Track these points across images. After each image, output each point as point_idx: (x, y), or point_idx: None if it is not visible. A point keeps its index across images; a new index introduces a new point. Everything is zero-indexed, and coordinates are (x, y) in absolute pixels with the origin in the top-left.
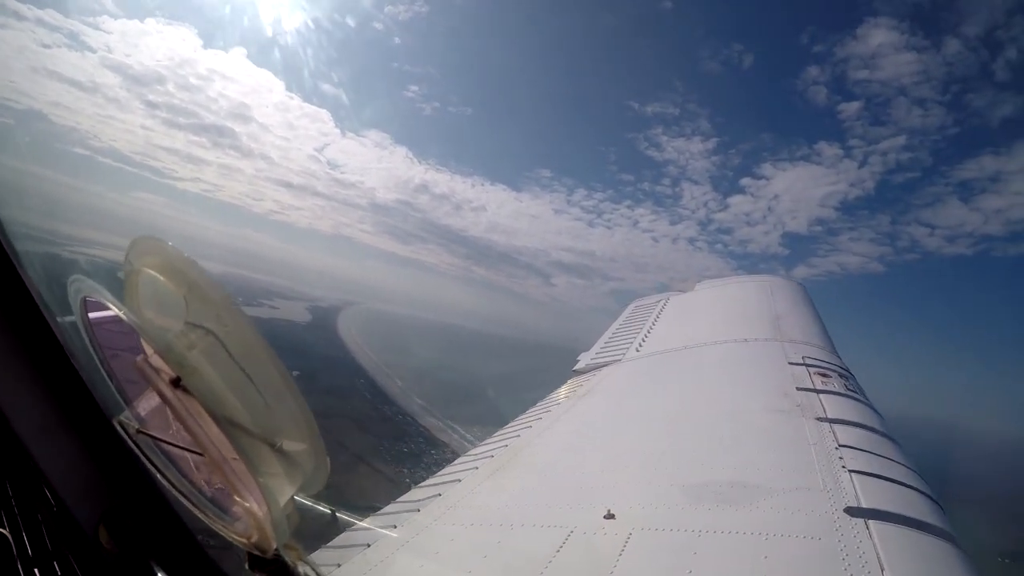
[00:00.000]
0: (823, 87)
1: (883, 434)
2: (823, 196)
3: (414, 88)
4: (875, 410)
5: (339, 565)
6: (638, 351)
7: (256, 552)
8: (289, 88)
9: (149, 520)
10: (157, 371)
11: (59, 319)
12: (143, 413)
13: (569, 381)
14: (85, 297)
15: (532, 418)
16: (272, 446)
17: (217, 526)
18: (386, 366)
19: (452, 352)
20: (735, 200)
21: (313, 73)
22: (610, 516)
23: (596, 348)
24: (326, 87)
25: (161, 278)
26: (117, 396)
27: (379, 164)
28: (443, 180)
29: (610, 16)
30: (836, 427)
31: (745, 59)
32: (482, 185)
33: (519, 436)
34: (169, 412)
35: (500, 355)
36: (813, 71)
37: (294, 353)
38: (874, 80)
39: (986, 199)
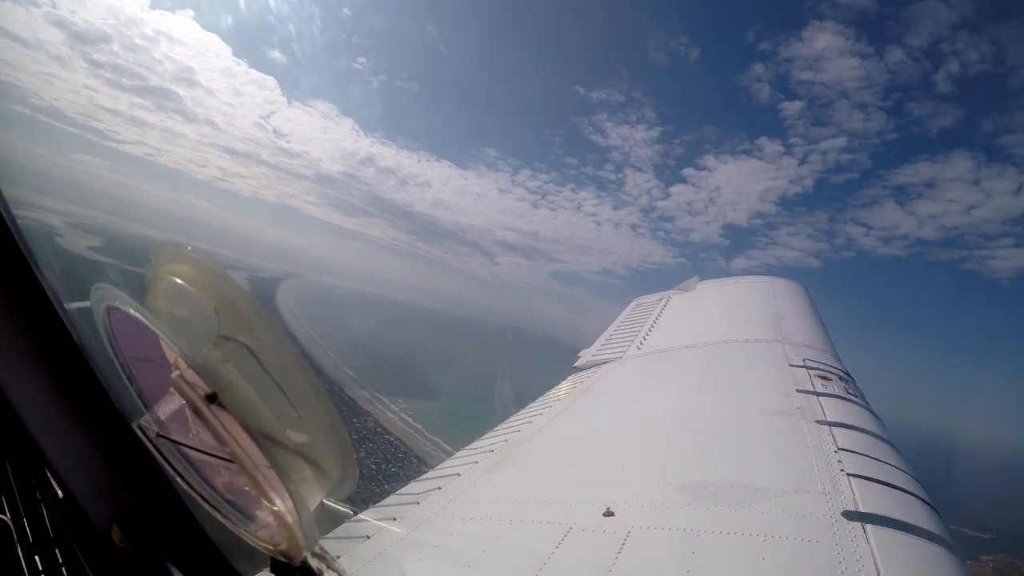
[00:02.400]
0: (767, 84)
1: (882, 438)
2: (763, 190)
3: (362, 60)
4: (875, 414)
5: (339, 556)
6: (639, 349)
7: (283, 559)
8: (236, 54)
9: (166, 521)
10: (192, 385)
11: (71, 314)
12: (163, 417)
13: (569, 378)
14: (109, 305)
15: (532, 413)
16: (304, 456)
17: (240, 531)
18: (320, 338)
19: (391, 326)
20: (677, 189)
21: (261, 40)
22: (609, 514)
23: (597, 345)
24: (274, 54)
25: (190, 288)
26: (137, 400)
27: (325, 135)
28: (389, 154)
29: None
30: (835, 430)
31: (691, 52)
32: (428, 161)
33: (519, 431)
34: (199, 423)
35: (440, 331)
36: (757, 68)
37: None
38: (817, 82)
39: (921, 204)
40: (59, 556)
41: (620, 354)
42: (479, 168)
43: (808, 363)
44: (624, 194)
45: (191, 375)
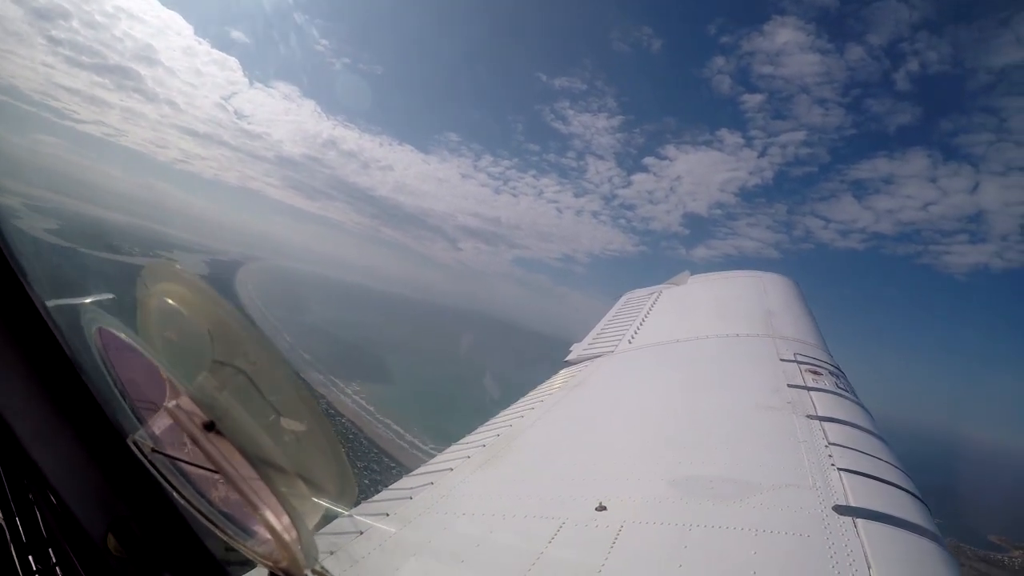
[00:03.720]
0: (728, 77)
1: (873, 433)
2: (723, 181)
3: (325, 42)
4: (865, 409)
5: (331, 553)
6: (630, 343)
7: (282, 575)
8: (198, 33)
9: (161, 531)
10: (189, 414)
11: (55, 316)
12: (157, 432)
13: (561, 372)
14: (100, 327)
15: (524, 408)
16: (302, 477)
17: (238, 546)
18: (278, 321)
19: (350, 311)
20: (638, 178)
21: (223, 19)
22: (602, 508)
23: (588, 339)
24: (236, 34)
25: (183, 311)
26: (131, 415)
27: (287, 116)
28: (351, 137)
29: None
30: (826, 425)
31: (654, 43)
32: (390, 145)
33: (511, 426)
34: (197, 449)
35: (400, 316)
36: (719, 61)
37: None
38: (777, 76)
39: (879, 199)
40: (53, 556)
41: (612, 348)
42: (441, 153)
43: (799, 358)
44: (586, 182)
45: (187, 404)
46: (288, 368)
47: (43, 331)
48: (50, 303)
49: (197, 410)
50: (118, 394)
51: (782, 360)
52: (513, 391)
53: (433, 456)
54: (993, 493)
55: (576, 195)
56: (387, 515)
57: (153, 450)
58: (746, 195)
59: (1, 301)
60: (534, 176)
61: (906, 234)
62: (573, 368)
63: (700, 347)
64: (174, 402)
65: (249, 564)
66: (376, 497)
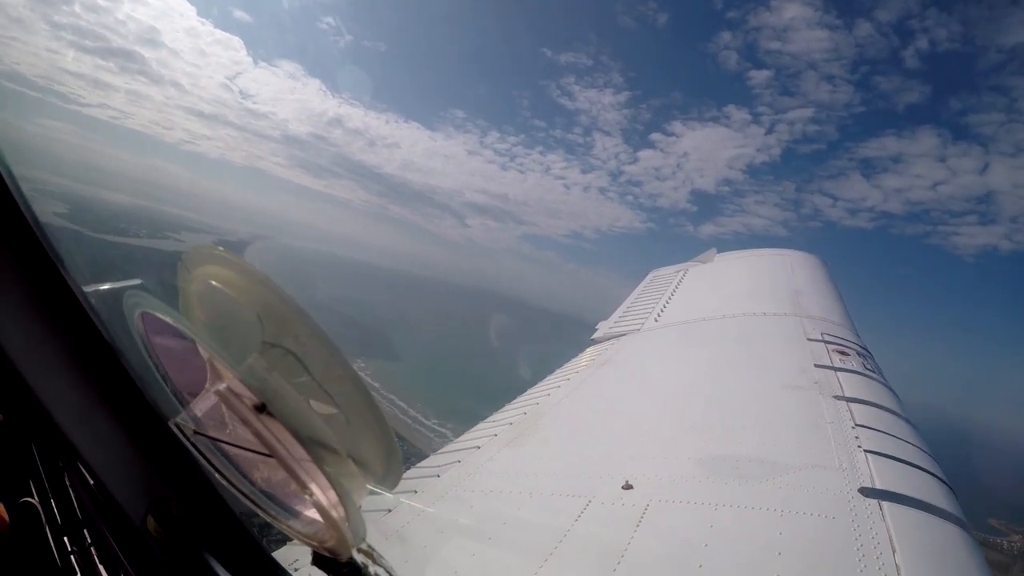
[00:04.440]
0: (734, 52)
1: (900, 415)
2: (731, 158)
3: (328, 20)
4: (892, 390)
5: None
6: (656, 321)
7: (327, 555)
8: (201, 13)
9: (201, 512)
10: (239, 397)
11: (95, 304)
12: (199, 414)
13: (588, 350)
14: (143, 311)
15: (551, 386)
16: (351, 456)
17: (281, 526)
18: None
19: (358, 289)
20: (645, 154)
21: None
22: (628, 487)
23: (615, 317)
24: (239, 13)
25: (230, 293)
26: (172, 398)
27: (292, 95)
28: (357, 115)
29: None
30: (853, 406)
31: (659, 17)
32: (396, 122)
33: (538, 404)
34: (242, 430)
35: (407, 293)
36: (725, 36)
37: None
38: (785, 52)
39: (887, 178)
40: (88, 537)
41: (638, 326)
42: (447, 130)
43: (826, 337)
44: (592, 158)
45: (237, 386)
46: (335, 348)
47: (81, 316)
48: (87, 288)
49: (247, 392)
50: (160, 377)
51: (809, 340)
52: (522, 368)
53: (435, 430)
54: (994, 477)
55: (583, 171)
56: (416, 492)
57: (195, 432)
58: (754, 172)
59: (41, 288)
60: (541, 152)
61: (915, 214)
62: (600, 346)
63: (726, 326)
64: (223, 384)
65: (283, 542)
66: (406, 475)
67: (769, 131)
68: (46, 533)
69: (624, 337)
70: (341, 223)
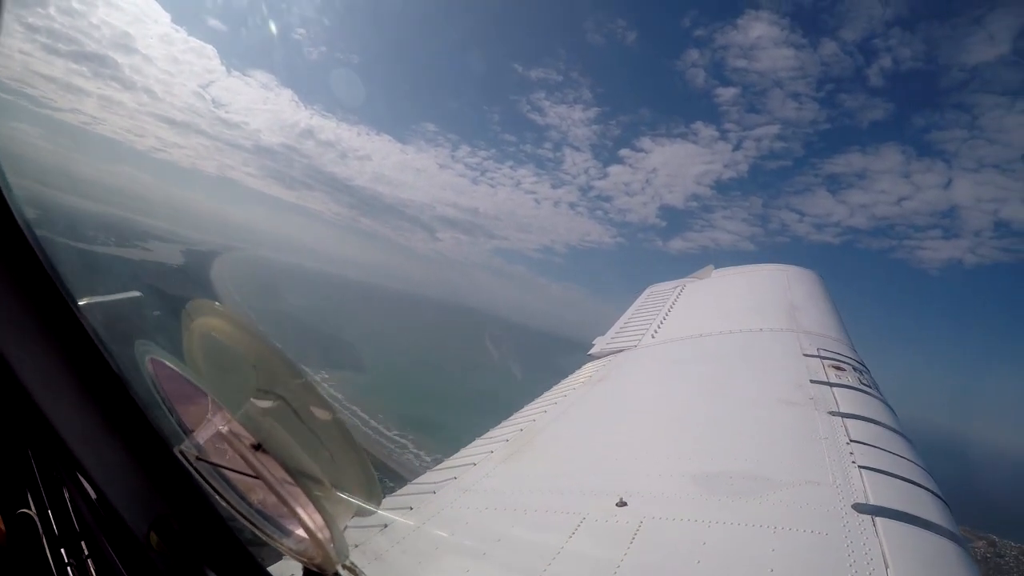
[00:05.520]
0: (702, 70)
1: (895, 431)
2: (699, 174)
3: (301, 31)
4: (888, 406)
5: (356, 546)
6: (653, 338)
7: (315, 570)
8: (175, 20)
9: (203, 531)
10: (239, 437)
11: (93, 322)
12: (201, 442)
13: (584, 366)
14: (152, 357)
15: (547, 403)
16: (335, 485)
17: (274, 543)
18: (253, 311)
19: (326, 301)
20: (614, 169)
21: (200, 6)
22: (622, 504)
23: (611, 333)
24: (213, 22)
25: (228, 344)
26: (177, 427)
27: (264, 105)
28: (329, 126)
29: None
30: (848, 422)
31: (628, 35)
32: (368, 135)
33: (534, 421)
34: (241, 461)
35: (376, 306)
36: (693, 54)
37: (156, 296)
38: (751, 70)
39: (853, 194)
40: (85, 549)
41: (635, 343)
42: (419, 143)
43: (822, 353)
44: (563, 173)
45: (237, 428)
46: (322, 396)
47: (79, 329)
48: (84, 301)
49: (245, 432)
50: (166, 410)
51: (805, 355)
52: (487, 380)
53: (395, 441)
54: (956, 483)
55: (553, 186)
56: (411, 509)
57: (198, 458)
58: (722, 188)
59: (39, 299)
60: (511, 167)
61: (880, 229)
62: (596, 363)
63: (723, 342)
64: (227, 426)
65: (276, 558)
66: (400, 491)
67: (736, 147)
68: (43, 544)
69: (621, 353)
70: (312, 235)
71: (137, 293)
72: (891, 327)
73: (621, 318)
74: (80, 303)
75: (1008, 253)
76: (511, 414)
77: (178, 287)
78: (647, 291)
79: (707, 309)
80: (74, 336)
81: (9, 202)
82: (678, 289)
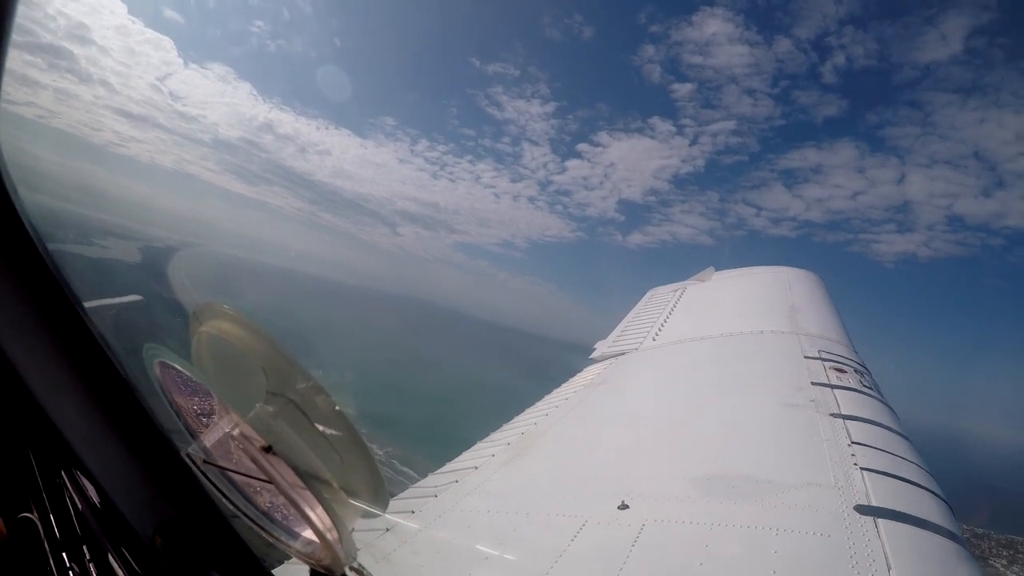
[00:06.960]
0: (658, 66)
1: (897, 432)
2: (656, 168)
3: (259, 23)
4: (890, 407)
5: (358, 549)
6: (654, 341)
7: (323, 571)
8: (132, 11)
9: (209, 534)
10: (249, 440)
11: (102, 329)
12: (208, 445)
13: (586, 369)
14: (161, 360)
15: (549, 406)
16: (344, 487)
17: (282, 546)
18: None
19: (286, 297)
20: (573, 164)
21: None
22: (624, 507)
23: (612, 337)
24: (170, 13)
25: (237, 346)
26: (184, 431)
27: (223, 99)
28: (288, 120)
29: None
30: (850, 423)
31: (585, 30)
32: (327, 129)
33: (536, 424)
34: (250, 463)
35: (336, 302)
36: (649, 50)
37: (113, 292)
38: (707, 66)
39: (809, 188)
40: (87, 553)
41: (636, 346)
42: (378, 137)
43: (823, 355)
44: (521, 167)
45: (247, 430)
46: (330, 399)
47: (84, 331)
48: (89, 304)
49: (255, 435)
50: (173, 413)
51: (806, 357)
52: (450, 376)
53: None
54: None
55: (512, 180)
56: (413, 512)
57: (205, 462)
58: (679, 182)
59: (42, 301)
60: (470, 161)
61: (836, 223)
62: (597, 366)
63: (724, 345)
64: (237, 429)
65: (282, 562)
66: (403, 494)
67: (693, 142)
68: (44, 548)
69: (622, 356)
70: (272, 230)
71: (138, 297)
72: (846, 319)
73: (622, 321)
74: (86, 306)
75: (961, 247)
76: (472, 408)
77: (134, 287)
78: (648, 294)
79: (708, 312)
80: (78, 339)
81: (16, 205)
82: (679, 292)
